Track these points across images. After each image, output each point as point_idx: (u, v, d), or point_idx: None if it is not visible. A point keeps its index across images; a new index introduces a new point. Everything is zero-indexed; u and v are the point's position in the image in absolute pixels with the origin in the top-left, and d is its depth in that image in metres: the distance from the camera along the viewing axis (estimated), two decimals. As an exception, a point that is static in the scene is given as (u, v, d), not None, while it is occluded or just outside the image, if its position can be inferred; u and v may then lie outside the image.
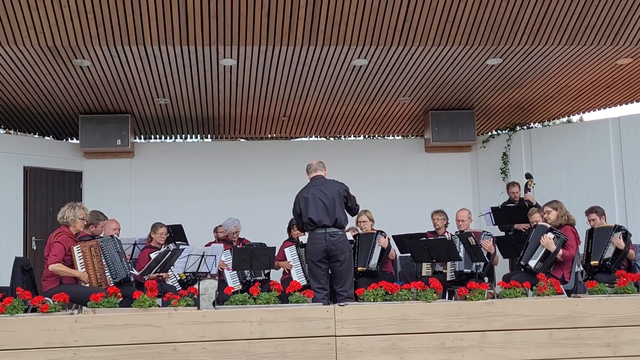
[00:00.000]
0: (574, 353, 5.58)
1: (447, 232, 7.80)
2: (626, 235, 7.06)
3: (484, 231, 7.62)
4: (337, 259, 6.34)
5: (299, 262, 7.82)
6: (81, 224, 6.40)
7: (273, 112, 10.31)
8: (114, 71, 8.29)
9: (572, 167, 10.01)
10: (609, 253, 7.01)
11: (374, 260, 7.50)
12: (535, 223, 7.48)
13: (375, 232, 7.64)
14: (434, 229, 7.98)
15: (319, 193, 6.43)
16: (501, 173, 10.47)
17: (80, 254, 6.13)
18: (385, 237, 7.62)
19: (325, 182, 6.55)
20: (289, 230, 8.31)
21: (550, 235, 6.74)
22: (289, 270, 7.87)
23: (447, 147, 10.74)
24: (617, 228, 7.14)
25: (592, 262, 7.04)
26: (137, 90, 9.10)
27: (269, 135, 11.65)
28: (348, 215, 6.63)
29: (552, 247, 6.67)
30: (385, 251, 7.60)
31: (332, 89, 9.35)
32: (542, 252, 6.73)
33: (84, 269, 6.16)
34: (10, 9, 6.91)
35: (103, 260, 6.37)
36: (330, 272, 6.50)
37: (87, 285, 6.13)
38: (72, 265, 6.14)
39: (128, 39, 7.29)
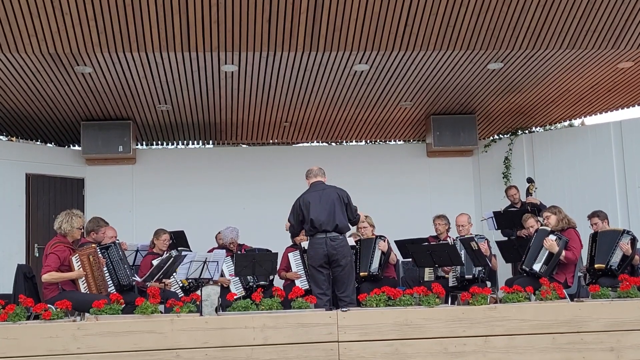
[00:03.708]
0: (577, 357, 5.57)
1: (450, 237, 7.79)
2: (634, 241, 7.01)
3: (476, 235, 7.62)
4: (339, 264, 6.34)
5: (303, 268, 7.82)
6: (79, 232, 6.35)
7: (274, 117, 10.32)
8: (116, 78, 8.31)
9: (573, 171, 10.00)
10: (616, 258, 6.90)
11: (375, 265, 7.51)
12: (531, 228, 7.46)
13: (375, 237, 7.65)
14: (436, 234, 7.98)
15: (320, 198, 6.44)
16: (503, 177, 10.46)
17: (79, 263, 6.11)
18: (384, 241, 7.63)
19: (325, 188, 6.57)
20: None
21: (552, 237, 6.75)
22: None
23: (449, 152, 10.74)
24: (625, 232, 7.09)
25: (596, 266, 7.01)
26: (138, 97, 9.12)
27: (271, 141, 11.65)
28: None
29: (555, 249, 6.67)
30: (385, 255, 7.60)
31: (334, 95, 9.35)
32: (546, 254, 6.72)
33: (83, 278, 6.13)
34: (12, 16, 6.93)
35: (104, 267, 6.36)
36: (331, 277, 6.49)
37: (85, 284, 6.11)
38: None
39: (129, 45, 7.30)
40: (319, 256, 6.32)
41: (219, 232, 8.92)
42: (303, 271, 7.80)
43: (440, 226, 7.95)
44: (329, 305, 6.29)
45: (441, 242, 7.66)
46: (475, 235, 7.56)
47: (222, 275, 7.64)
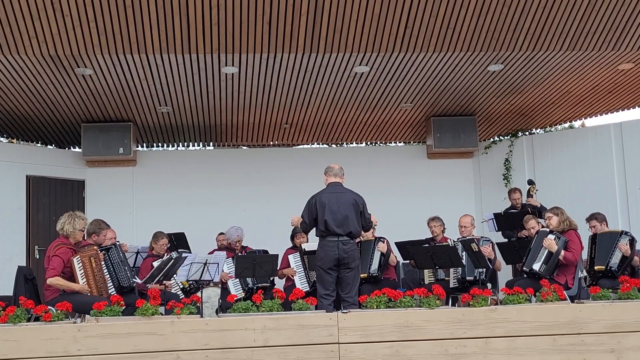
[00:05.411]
0: (578, 359, 5.56)
1: (450, 239, 7.79)
2: (632, 242, 7.03)
3: (482, 237, 7.62)
4: (348, 267, 6.30)
5: (303, 269, 7.82)
6: (80, 234, 6.36)
7: (275, 119, 10.32)
8: (116, 80, 8.31)
9: (574, 172, 10.00)
10: (615, 259, 6.94)
11: (375, 266, 7.52)
12: (532, 229, 7.46)
13: (374, 238, 7.65)
14: (432, 236, 7.97)
15: (336, 202, 6.31)
16: (503, 179, 10.47)
17: (80, 264, 6.11)
18: (384, 243, 7.62)
19: (343, 192, 6.43)
20: (292, 238, 8.30)
21: (551, 236, 6.77)
22: (293, 277, 7.86)
23: (449, 154, 10.74)
24: (624, 233, 7.10)
25: (596, 267, 7.02)
26: (139, 99, 9.12)
27: (271, 143, 11.66)
28: None
29: (554, 248, 6.70)
30: (385, 256, 7.60)
31: (334, 96, 9.35)
32: (545, 253, 6.75)
33: (84, 280, 6.14)
34: (12, 18, 6.93)
35: (104, 269, 6.36)
36: (337, 278, 6.45)
37: (89, 295, 6.12)
38: (72, 276, 6.12)
39: (130, 47, 7.31)
40: (329, 259, 6.26)
41: (220, 234, 8.92)
42: (303, 272, 7.80)
43: (436, 228, 7.94)
44: (333, 305, 6.27)
45: (439, 244, 7.65)
46: (481, 237, 7.56)
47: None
